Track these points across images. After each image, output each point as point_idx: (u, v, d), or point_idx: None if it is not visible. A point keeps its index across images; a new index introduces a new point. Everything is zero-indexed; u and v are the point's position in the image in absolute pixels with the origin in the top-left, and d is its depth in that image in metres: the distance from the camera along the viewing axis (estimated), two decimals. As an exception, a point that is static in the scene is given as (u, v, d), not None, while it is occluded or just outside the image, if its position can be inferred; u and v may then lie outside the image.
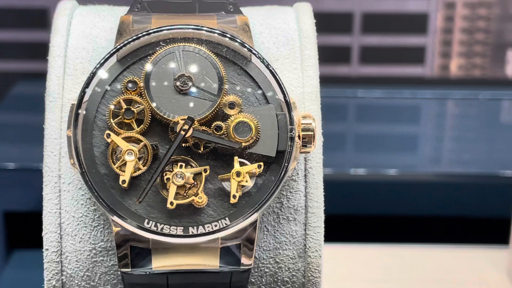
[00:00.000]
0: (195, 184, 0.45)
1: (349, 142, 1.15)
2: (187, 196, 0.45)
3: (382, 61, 1.35)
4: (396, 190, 0.99)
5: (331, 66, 1.35)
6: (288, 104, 0.46)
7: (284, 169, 0.46)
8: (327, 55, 1.34)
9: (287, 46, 0.51)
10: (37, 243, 0.96)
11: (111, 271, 0.48)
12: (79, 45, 0.50)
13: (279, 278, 0.48)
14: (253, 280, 0.48)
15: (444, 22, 1.33)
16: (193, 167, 0.46)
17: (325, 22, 1.31)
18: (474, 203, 0.96)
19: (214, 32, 0.47)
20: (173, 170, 0.45)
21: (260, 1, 1.34)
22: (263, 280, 0.48)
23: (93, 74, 0.46)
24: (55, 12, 0.53)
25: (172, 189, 0.45)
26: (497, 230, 0.89)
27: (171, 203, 0.45)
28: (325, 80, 1.43)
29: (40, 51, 1.28)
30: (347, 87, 1.30)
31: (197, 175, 0.45)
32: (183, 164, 0.45)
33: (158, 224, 0.45)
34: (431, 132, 1.22)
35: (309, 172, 0.48)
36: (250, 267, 0.46)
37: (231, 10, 0.50)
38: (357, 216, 0.99)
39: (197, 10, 0.50)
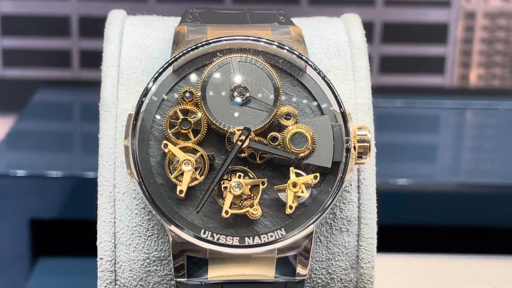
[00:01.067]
0: (251, 195, 0.45)
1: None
2: (242, 207, 0.45)
3: (402, 70, 1.36)
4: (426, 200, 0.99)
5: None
6: (344, 115, 0.46)
7: (340, 180, 0.46)
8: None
9: (339, 57, 0.51)
10: (62, 250, 0.97)
11: (164, 281, 0.48)
12: (132, 55, 0.51)
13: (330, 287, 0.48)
14: (305, 288, 0.48)
15: (464, 32, 1.33)
16: (251, 177, 0.46)
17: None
18: (499, 212, 0.97)
19: (272, 44, 0.47)
20: (231, 180, 0.46)
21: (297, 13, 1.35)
22: None
23: (150, 84, 0.46)
24: (107, 22, 0.53)
25: (228, 198, 0.45)
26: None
27: (226, 212, 0.45)
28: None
29: (61, 58, 1.29)
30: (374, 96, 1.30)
31: (254, 187, 0.46)
32: (242, 175, 0.46)
33: (215, 234, 0.45)
34: (451, 141, 1.22)
35: (362, 183, 0.49)
36: (305, 277, 0.46)
37: (283, 21, 0.50)
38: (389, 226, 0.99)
39: (249, 21, 0.50)
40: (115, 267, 0.48)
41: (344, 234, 0.48)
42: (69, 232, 0.96)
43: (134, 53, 0.51)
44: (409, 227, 1.01)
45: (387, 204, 0.99)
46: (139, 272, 0.48)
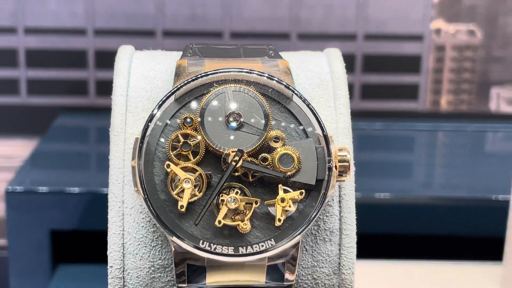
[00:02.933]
0: (244, 211, 0.45)
1: (355, 168, 1.15)
2: (234, 220, 0.45)
3: (380, 97, 1.35)
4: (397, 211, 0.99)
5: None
6: (326, 138, 0.46)
7: (323, 196, 0.46)
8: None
9: (322, 87, 0.51)
10: (79, 258, 0.96)
11: (167, 286, 0.48)
12: (139, 86, 0.51)
13: (316, 292, 0.48)
14: (293, 293, 0.48)
15: (435, 62, 1.34)
16: (247, 195, 0.46)
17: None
18: (469, 223, 0.96)
19: (263, 75, 0.47)
20: (229, 194, 0.45)
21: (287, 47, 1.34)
22: None
23: (154, 111, 0.46)
24: (117, 56, 0.53)
25: (223, 210, 0.45)
26: (492, 248, 0.89)
27: (219, 222, 0.45)
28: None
29: (79, 87, 1.29)
30: (351, 119, 1.30)
31: (247, 204, 0.45)
32: (239, 191, 0.45)
33: (212, 244, 0.45)
34: (424, 159, 1.22)
35: (343, 198, 0.48)
36: (293, 282, 0.46)
37: (272, 55, 0.50)
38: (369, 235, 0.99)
39: (242, 55, 0.50)
40: (123, 274, 0.48)
41: (327, 244, 0.48)
42: (85, 242, 0.96)
43: (141, 84, 0.51)
44: (387, 235, 1.00)
45: (368, 215, 0.99)
46: (145, 278, 0.48)
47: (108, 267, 0.47)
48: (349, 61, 1.36)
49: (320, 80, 0.51)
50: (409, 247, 1.00)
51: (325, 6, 1.32)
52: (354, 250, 0.48)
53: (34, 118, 1.27)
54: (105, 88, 1.31)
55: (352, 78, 1.35)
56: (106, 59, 1.29)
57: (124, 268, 0.48)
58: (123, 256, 0.48)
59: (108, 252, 0.48)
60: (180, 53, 0.52)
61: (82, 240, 0.96)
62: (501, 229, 0.85)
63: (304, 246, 0.48)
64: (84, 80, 1.30)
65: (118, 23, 1.30)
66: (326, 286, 0.48)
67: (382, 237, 1.00)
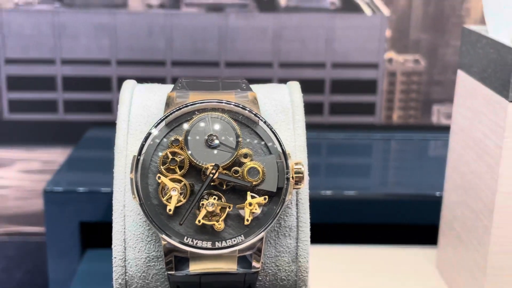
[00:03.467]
0: (219, 214, 0.45)
1: (325, 170, 1.15)
2: (211, 220, 0.45)
3: (345, 113, 1.35)
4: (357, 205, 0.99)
5: (311, 116, 1.35)
6: (285, 154, 0.46)
7: (283, 201, 0.45)
8: (308, 109, 1.34)
9: (283, 113, 0.50)
10: (104, 244, 0.96)
11: (160, 273, 0.47)
12: (138, 113, 0.50)
13: (278, 277, 0.48)
14: (260, 278, 0.48)
15: (388, 85, 1.34)
16: (222, 201, 0.45)
17: (305, 85, 1.32)
18: (414, 213, 0.96)
19: (236, 105, 0.47)
20: (208, 199, 0.45)
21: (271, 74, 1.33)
22: (267, 278, 0.48)
23: (149, 133, 0.46)
24: (121, 89, 0.53)
25: (202, 212, 0.45)
26: (430, 234, 0.89)
27: (199, 221, 0.45)
28: (307, 126, 1.44)
29: (105, 106, 1.29)
30: (321, 131, 1.30)
31: (222, 208, 0.45)
32: (216, 197, 0.45)
33: (194, 240, 0.45)
34: (380, 163, 1.22)
35: (300, 202, 0.48)
36: (259, 269, 0.46)
37: (244, 87, 0.50)
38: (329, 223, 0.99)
39: (220, 88, 0.50)
40: (125, 263, 0.47)
41: (287, 238, 0.48)
42: (108, 231, 0.96)
43: (140, 111, 0.50)
44: (349, 225, 1.00)
45: (335, 208, 0.99)
46: (142, 267, 0.47)
47: (113, 258, 0.47)
48: (320, 85, 1.36)
49: (282, 107, 0.51)
50: (367, 234, 1.00)
51: (301, 41, 1.32)
52: (308, 243, 0.48)
53: (69, 131, 1.27)
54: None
55: (322, 98, 1.35)
56: (127, 84, 1.29)
57: (125, 258, 0.47)
58: (125, 249, 0.47)
59: (112, 246, 0.47)
60: (172, 86, 0.51)
61: (105, 230, 0.96)
62: (436, 219, 0.86)
63: (269, 240, 0.48)
64: (109, 100, 1.30)
65: (135, 55, 1.29)
66: (287, 271, 0.48)
67: (345, 226, 1.00)
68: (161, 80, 1.30)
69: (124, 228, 0.47)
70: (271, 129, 0.46)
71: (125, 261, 0.47)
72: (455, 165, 0.77)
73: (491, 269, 0.66)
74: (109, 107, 1.31)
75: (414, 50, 1.31)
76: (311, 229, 0.96)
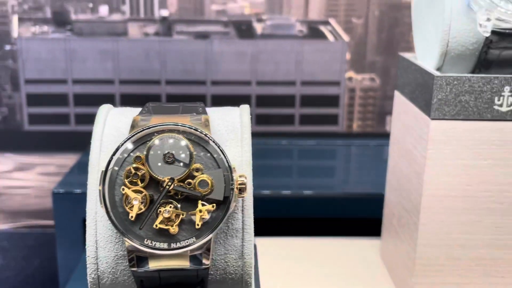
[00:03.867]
0: (174, 219, 0.45)
1: (295, 171, 1.15)
2: (167, 225, 0.45)
3: (312, 123, 1.36)
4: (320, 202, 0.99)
5: (284, 126, 1.35)
6: (230, 168, 0.46)
7: (227, 208, 0.45)
8: (281, 119, 1.34)
9: (233, 132, 0.50)
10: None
11: (127, 269, 0.47)
12: (110, 133, 0.50)
13: (227, 271, 0.48)
14: (212, 273, 0.47)
15: (348, 100, 1.34)
16: (177, 209, 0.45)
17: (279, 100, 1.32)
18: (367, 208, 0.96)
19: (189, 127, 0.46)
20: (165, 207, 0.45)
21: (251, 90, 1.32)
22: (218, 273, 0.47)
23: (116, 151, 0.46)
24: (98, 112, 0.52)
25: (159, 218, 0.44)
26: (377, 227, 0.89)
27: (156, 226, 0.44)
28: (280, 134, 1.42)
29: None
30: (292, 138, 1.30)
31: (177, 215, 0.45)
32: (172, 205, 0.45)
33: (152, 242, 0.44)
34: (341, 165, 1.22)
35: (245, 208, 0.47)
36: (209, 266, 0.45)
37: (200, 111, 0.49)
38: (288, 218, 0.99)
39: (180, 112, 0.49)
40: (97, 261, 0.47)
41: (234, 238, 0.47)
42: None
43: (112, 132, 0.50)
44: (313, 219, 1.00)
45: (299, 205, 0.99)
46: (111, 264, 0.47)
47: (86, 256, 0.47)
48: (291, 99, 1.36)
49: (233, 128, 0.50)
50: (325, 227, 0.99)
51: (274, 63, 1.32)
52: (252, 243, 0.47)
53: (79, 139, 1.27)
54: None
55: (293, 110, 1.35)
56: (128, 100, 1.29)
57: (97, 257, 0.47)
58: (96, 249, 0.47)
59: (86, 247, 0.47)
60: (140, 110, 0.51)
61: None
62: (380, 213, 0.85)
63: (218, 240, 0.47)
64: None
65: (135, 75, 1.29)
66: (234, 267, 0.47)
67: (306, 220, 1.00)
68: (157, 96, 1.30)
69: (96, 232, 0.47)
70: (219, 147, 0.46)
71: (97, 259, 0.47)
72: (392, 171, 0.77)
73: (419, 260, 0.66)
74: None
75: (370, 70, 1.32)
76: (282, 223, 0.95)
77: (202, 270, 0.45)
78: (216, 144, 0.46)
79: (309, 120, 1.34)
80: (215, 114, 0.52)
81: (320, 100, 1.33)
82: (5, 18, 1.24)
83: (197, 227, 0.45)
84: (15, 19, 1.24)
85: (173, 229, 0.44)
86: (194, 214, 0.45)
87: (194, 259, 0.45)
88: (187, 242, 0.45)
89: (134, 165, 0.45)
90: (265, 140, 1.31)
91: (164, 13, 1.27)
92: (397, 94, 0.75)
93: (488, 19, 0.58)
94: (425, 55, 0.67)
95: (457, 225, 0.65)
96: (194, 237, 0.45)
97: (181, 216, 0.45)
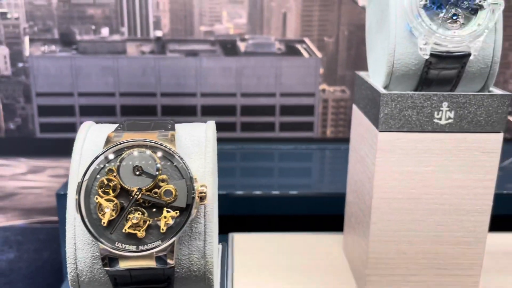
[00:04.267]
0: (142, 225, 0.45)
1: (276, 172, 1.15)
2: (135, 229, 0.45)
3: (290, 130, 1.35)
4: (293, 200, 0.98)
5: (265, 132, 1.34)
6: (192, 179, 0.46)
7: (189, 214, 0.45)
8: (263, 127, 1.34)
9: (198, 146, 0.50)
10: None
11: (102, 268, 0.47)
12: (89, 148, 0.49)
13: (191, 269, 0.47)
14: (177, 271, 0.47)
15: (322, 109, 1.34)
16: (144, 214, 0.45)
17: (261, 110, 1.31)
18: (329, 206, 0.96)
19: (156, 143, 0.46)
20: (134, 214, 0.44)
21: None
22: (183, 271, 0.47)
23: (91, 164, 0.45)
24: (80, 128, 0.52)
25: (128, 224, 0.44)
26: (340, 223, 0.88)
27: (125, 230, 0.44)
28: (262, 140, 1.41)
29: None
30: (273, 143, 1.30)
31: (144, 220, 0.45)
32: (140, 212, 0.45)
33: (122, 245, 0.44)
34: (316, 167, 1.22)
35: (207, 214, 0.47)
36: (173, 265, 0.45)
37: (169, 127, 0.49)
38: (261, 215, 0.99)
39: (151, 128, 0.49)
40: (76, 261, 0.47)
41: (197, 240, 0.47)
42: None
43: (90, 146, 0.49)
44: (286, 216, 1.00)
45: (280, 205, 0.98)
46: (89, 263, 0.47)
47: (66, 257, 0.47)
48: (272, 109, 1.36)
49: (198, 142, 0.50)
50: (297, 224, 0.99)
51: (257, 77, 1.32)
52: (213, 244, 0.47)
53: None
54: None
55: (274, 119, 1.35)
56: (127, 111, 1.28)
57: (76, 257, 0.47)
58: (75, 251, 0.47)
59: (66, 248, 0.47)
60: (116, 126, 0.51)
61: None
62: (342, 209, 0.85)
63: (183, 242, 0.47)
64: (115, 122, 1.30)
65: (133, 89, 1.29)
66: (198, 265, 0.47)
67: (285, 216, 1.00)
68: (153, 107, 1.30)
69: (75, 235, 0.47)
70: (182, 159, 0.46)
71: (76, 259, 0.47)
72: (351, 174, 0.77)
73: (371, 254, 0.66)
74: (114, 127, 1.30)
75: (341, 83, 1.32)
76: (260, 219, 0.94)
77: (167, 269, 0.45)
78: (179, 157, 0.46)
79: (288, 127, 1.34)
80: (183, 129, 0.51)
81: (297, 110, 1.33)
82: (18, 39, 1.24)
83: (161, 231, 0.44)
84: (26, 40, 1.24)
85: (140, 234, 0.44)
86: (160, 220, 0.45)
87: (160, 259, 0.45)
88: (153, 244, 0.44)
89: (107, 177, 0.45)
90: (249, 145, 1.31)
91: (158, 33, 1.27)
92: (354, 107, 0.75)
93: (427, 44, 0.58)
94: (375, 74, 0.67)
95: (403, 224, 0.65)
96: (159, 240, 0.45)
97: (147, 222, 0.45)
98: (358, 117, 0.73)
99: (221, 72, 1.27)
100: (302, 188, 1.01)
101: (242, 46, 1.27)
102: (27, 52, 1.24)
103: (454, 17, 0.58)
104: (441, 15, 0.58)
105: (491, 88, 0.63)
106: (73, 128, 1.28)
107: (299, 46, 1.29)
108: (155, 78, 1.27)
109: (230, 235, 0.88)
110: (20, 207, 1.31)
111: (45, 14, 1.21)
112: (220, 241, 0.89)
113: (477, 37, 0.58)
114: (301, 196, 0.98)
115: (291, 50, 1.29)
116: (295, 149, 1.26)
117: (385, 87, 0.63)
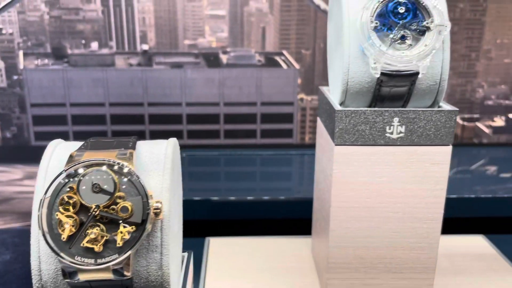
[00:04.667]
0: (99, 240, 0.45)
1: (258, 177, 1.15)
2: (94, 244, 0.45)
3: (272, 136, 1.35)
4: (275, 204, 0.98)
5: (247, 139, 1.34)
6: (147, 195, 0.46)
7: (144, 229, 0.45)
8: (245, 133, 1.34)
9: (157, 163, 0.49)
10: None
11: (63, 280, 0.47)
12: (54, 165, 0.49)
13: (149, 280, 0.47)
14: (136, 281, 0.47)
15: (301, 117, 1.34)
16: (102, 230, 0.45)
17: (243, 118, 1.31)
18: (298, 210, 0.96)
19: (113, 162, 0.46)
20: (92, 229, 0.44)
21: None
22: (142, 281, 0.47)
23: (53, 181, 0.45)
24: (47, 146, 0.52)
25: (87, 238, 0.44)
26: (308, 226, 0.88)
27: (83, 245, 0.44)
28: (245, 146, 1.41)
29: (102, 135, 1.28)
30: (255, 150, 1.30)
31: (102, 236, 0.45)
32: (98, 228, 0.45)
33: (82, 258, 0.44)
34: (297, 171, 1.22)
35: (163, 228, 0.47)
36: (130, 277, 0.45)
37: (129, 145, 0.49)
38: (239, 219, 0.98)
39: (112, 147, 0.48)
40: (40, 273, 0.47)
41: (154, 253, 0.47)
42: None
43: (56, 164, 0.49)
44: (263, 219, 0.99)
45: (265, 209, 0.98)
46: (52, 275, 0.47)
47: (31, 270, 0.47)
48: (253, 117, 1.36)
49: (157, 159, 0.50)
50: (271, 227, 0.99)
51: (238, 87, 1.32)
52: (169, 256, 0.47)
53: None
54: (117, 135, 1.30)
55: (255, 126, 1.35)
56: (117, 119, 1.28)
57: (40, 269, 0.47)
58: (39, 263, 0.47)
59: (31, 261, 0.47)
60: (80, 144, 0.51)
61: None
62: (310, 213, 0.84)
63: (141, 254, 0.47)
64: (105, 131, 1.30)
65: (122, 99, 1.29)
66: (155, 276, 0.47)
67: (263, 220, 0.99)
68: (140, 117, 1.30)
69: (39, 249, 0.47)
70: (138, 177, 0.46)
71: (40, 271, 0.47)
72: (316, 183, 0.77)
73: (331, 259, 0.66)
74: (104, 135, 1.30)
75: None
76: (237, 224, 0.93)
77: (125, 280, 0.45)
78: (136, 175, 0.46)
79: (268, 134, 1.34)
80: (144, 146, 0.51)
81: (277, 118, 1.33)
82: (13, 53, 1.24)
83: (118, 245, 0.44)
84: (20, 54, 1.24)
85: (98, 248, 0.44)
86: (117, 235, 0.45)
87: (117, 272, 0.45)
88: (110, 258, 0.44)
89: (68, 194, 0.45)
90: (232, 151, 1.31)
91: (145, 47, 1.27)
92: (318, 120, 0.76)
93: (377, 63, 0.58)
94: (334, 90, 0.67)
95: (361, 231, 0.65)
96: (117, 254, 0.45)
97: (105, 237, 0.45)
98: (320, 129, 0.73)
99: (205, 82, 1.27)
100: (283, 192, 1.00)
101: (224, 58, 1.27)
102: (21, 65, 1.24)
103: (403, 39, 0.58)
104: (391, 36, 0.58)
105: (441, 103, 0.64)
106: (65, 136, 1.28)
107: (278, 58, 1.29)
108: (143, 89, 1.27)
109: (207, 239, 0.88)
110: (17, 210, 1.31)
111: (38, 29, 1.21)
112: (196, 246, 0.89)
113: (424, 57, 0.58)
114: (277, 201, 0.98)
115: (270, 62, 1.30)
116: (275, 154, 1.26)
117: (341, 103, 0.63)
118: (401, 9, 0.58)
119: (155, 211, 0.45)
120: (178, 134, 1.26)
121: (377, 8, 0.58)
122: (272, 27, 1.23)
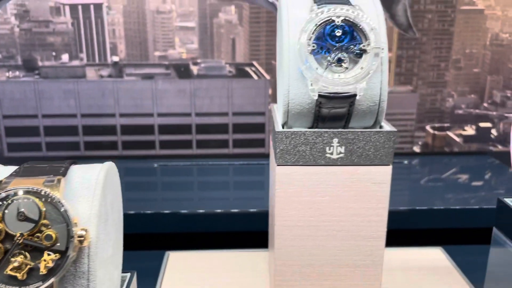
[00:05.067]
0: (23, 268, 0.45)
1: (231, 186, 1.15)
2: (17, 272, 0.45)
3: (243, 146, 1.36)
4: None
5: (219, 149, 1.35)
6: (70, 223, 0.46)
7: (68, 256, 0.45)
8: (218, 144, 1.34)
9: (87, 189, 0.49)
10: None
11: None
12: None
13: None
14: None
15: (257, 127, 1.34)
16: (26, 258, 0.45)
17: (215, 128, 1.32)
18: (257, 222, 0.95)
19: (39, 189, 0.46)
20: (17, 257, 0.45)
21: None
22: None
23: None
24: None
25: (10, 266, 0.44)
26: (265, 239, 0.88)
27: (6, 272, 0.44)
28: (217, 156, 1.41)
29: (74, 146, 1.28)
30: (227, 160, 1.30)
31: (26, 264, 0.45)
32: (22, 256, 0.45)
33: (6, 286, 0.44)
34: (268, 182, 1.22)
35: (90, 254, 0.47)
36: (54, 303, 0.45)
37: (60, 171, 0.48)
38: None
39: (42, 174, 0.48)
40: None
41: (81, 279, 0.47)
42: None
43: None
44: (240, 232, 0.99)
45: (245, 221, 0.97)
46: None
47: None
48: (225, 127, 1.36)
49: (88, 185, 0.50)
50: (236, 240, 0.98)
51: (210, 97, 1.32)
52: (96, 281, 0.47)
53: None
54: (90, 146, 1.30)
55: (228, 136, 1.35)
56: (89, 130, 1.28)
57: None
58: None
59: None
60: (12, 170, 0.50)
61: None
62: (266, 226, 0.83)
63: (68, 281, 0.47)
64: (77, 142, 1.30)
65: (94, 110, 1.29)
66: (83, 301, 0.47)
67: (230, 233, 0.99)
68: (112, 128, 1.30)
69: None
70: (63, 205, 0.46)
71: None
72: (269, 199, 0.78)
73: (277, 276, 0.67)
74: (77, 147, 1.30)
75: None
76: (199, 237, 0.92)
77: (51, 303, 0.45)
78: (60, 202, 0.46)
79: (240, 144, 1.35)
80: (78, 171, 0.51)
81: (248, 127, 1.33)
82: (-17, 65, 1.24)
83: (42, 273, 0.45)
84: (-9, 66, 1.24)
85: (20, 276, 0.44)
86: (40, 263, 0.45)
87: (44, 298, 0.45)
88: (35, 285, 0.45)
89: (-6, 223, 0.45)
90: (204, 161, 1.31)
91: (115, 58, 1.27)
92: (270, 137, 0.76)
93: (315, 85, 0.59)
94: (279, 109, 0.68)
95: (305, 249, 0.65)
96: (41, 281, 0.45)
97: (28, 266, 0.45)
98: (271, 147, 0.73)
99: (176, 93, 1.27)
100: (255, 202, 1.00)
101: (194, 69, 1.27)
102: (-8, 78, 1.24)
103: (340, 62, 0.58)
104: (328, 59, 0.59)
105: (382, 123, 0.64)
106: (38, 147, 1.28)
107: (248, 69, 1.30)
108: (114, 100, 1.27)
109: (166, 253, 0.88)
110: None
111: (8, 42, 1.21)
112: (154, 259, 0.88)
113: (361, 79, 0.58)
114: (247, 213, 0.98)
115: (241, 72, 1.30)
116: (247, 164, 1.26)
117: (284, 124, 0.64)
118: (338, 32, 0.58)
119: (79, 238, 0.46)
120: (150, 144, 1.26)
121: (314, 31, 0.58)
122: (242, 38, 1.24)
